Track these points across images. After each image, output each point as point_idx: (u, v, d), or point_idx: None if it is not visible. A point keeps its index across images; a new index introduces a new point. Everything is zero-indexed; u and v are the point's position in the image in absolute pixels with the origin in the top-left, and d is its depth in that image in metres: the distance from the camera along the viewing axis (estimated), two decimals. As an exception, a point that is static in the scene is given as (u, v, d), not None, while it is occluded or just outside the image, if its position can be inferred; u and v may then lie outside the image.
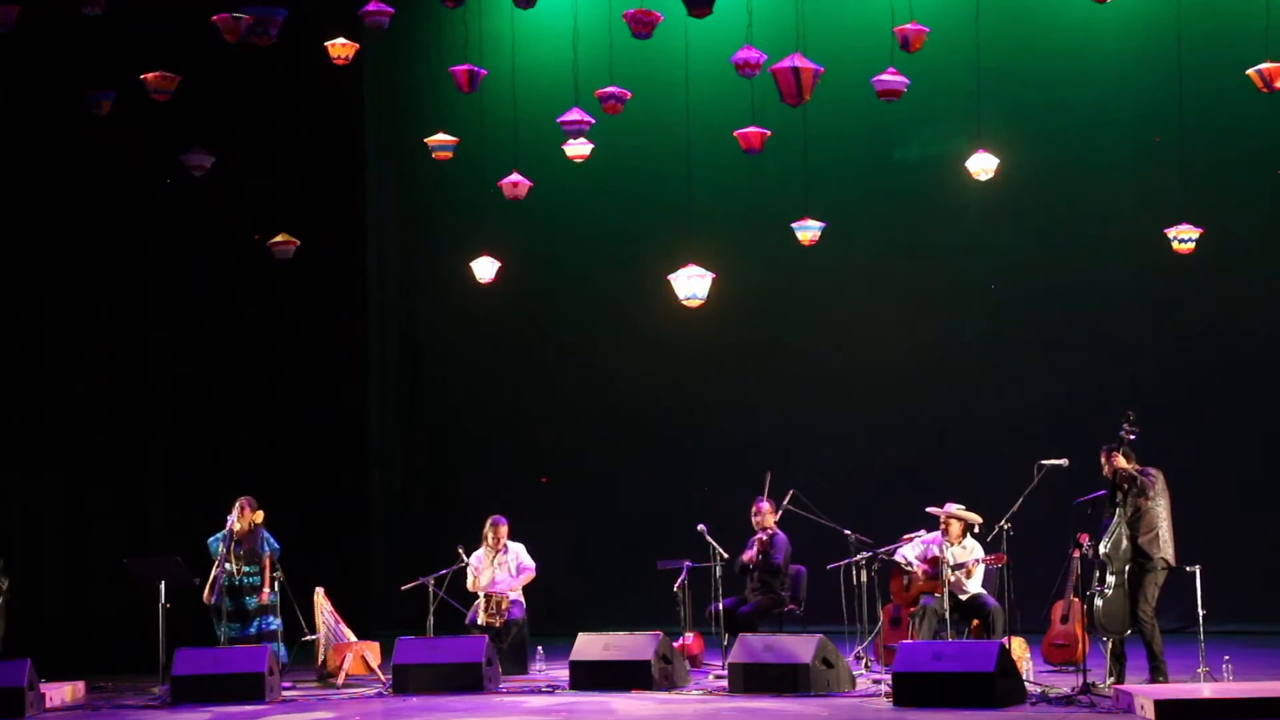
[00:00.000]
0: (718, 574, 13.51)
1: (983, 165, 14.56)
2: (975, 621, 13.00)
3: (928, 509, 13.23)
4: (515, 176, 15.03)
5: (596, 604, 16.64)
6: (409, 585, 13.92)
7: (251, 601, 13.62)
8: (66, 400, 16.85)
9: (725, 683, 12.30)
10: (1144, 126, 16.26)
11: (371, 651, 13.61)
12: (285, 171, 17.12)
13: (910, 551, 13.28)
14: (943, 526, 13.11)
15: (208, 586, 13.55)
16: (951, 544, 13.01)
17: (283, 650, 13.60)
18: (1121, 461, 11.51)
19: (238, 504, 13.74)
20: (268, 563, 13.61)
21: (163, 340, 17.23)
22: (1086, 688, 11.12)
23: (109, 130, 15.00)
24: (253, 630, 13.56)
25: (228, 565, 13.54)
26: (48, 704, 12.51)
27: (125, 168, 16.80)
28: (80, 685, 13.26)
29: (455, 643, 12.97)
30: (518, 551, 14.14)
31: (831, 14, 16.32)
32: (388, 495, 18.78)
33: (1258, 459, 16.02)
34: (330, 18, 14.60)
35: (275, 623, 13.62)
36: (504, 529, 14.14)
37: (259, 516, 13.80)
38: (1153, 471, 11.59)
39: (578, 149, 14.57)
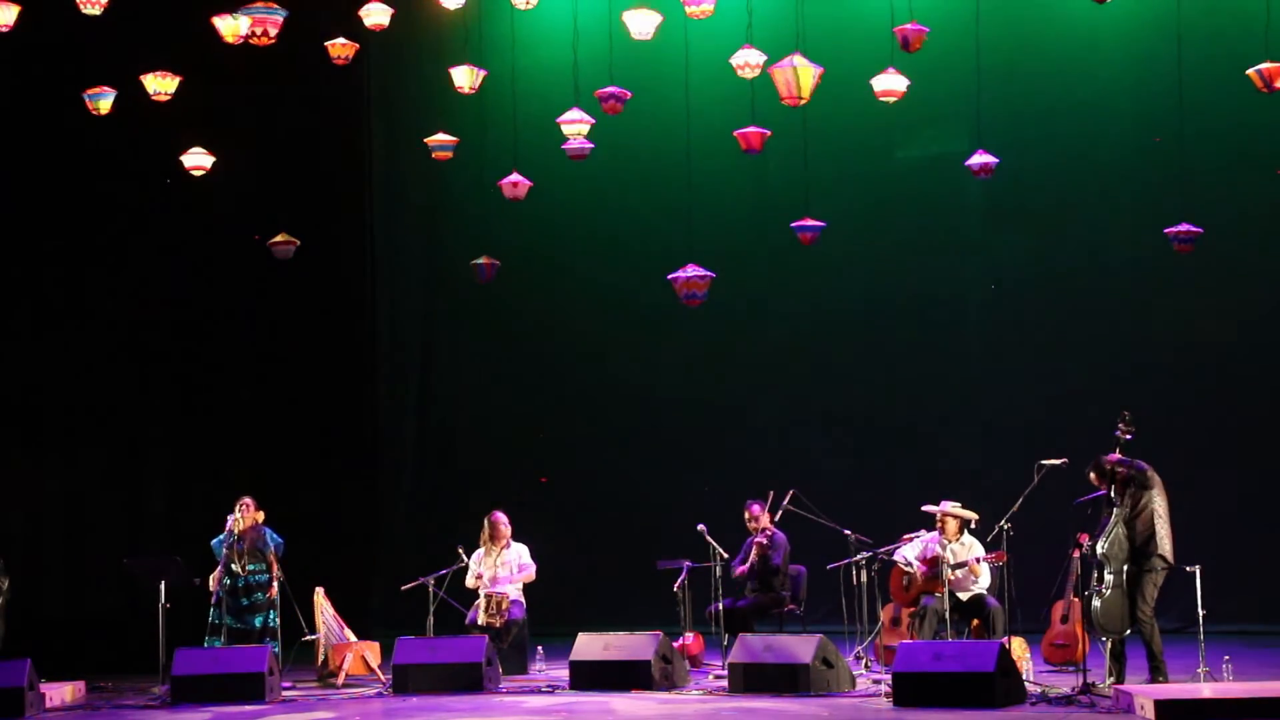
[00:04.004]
0: (718, 574, 13.52)
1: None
2: (975, 621, 13.00)
3: (924, 507, 13.25)
4: (515, 176, 15.04)
5: (596, 604, 16.63)
6: (409, 585, 13.92)
7: (260, 597, 13.63)
8: (67, 400, 16.86)
9: (725, 683, 12.31)
10: (1144, 126, 16.26)
11: (371, 651, 13.61)
12: (285, 171, 17.12)
13: (910, 551, 13.29)
14: (939, 525, 13.15)
15: (213, 579, 13.55)
16: (950, 541, 13.03)
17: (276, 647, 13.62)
18: (1114, 456, 11.51)
19: (239, 504, 13.76)
20: (274, 558, 13.63)
21: (163, 340, 17.22)
22: (1086, 688, 11.12)
23: (109, 130, 15.00)
24: (257, 624, 13.57)
25: (232, 566, 13.57)
26: (48, 704, 12.51)
27: (125, 168, 16.80)
28: (80, 685, 13.26)
29: (455, 643, 12.98)
30: (520, 551, 14.14)
31: (831, 14, 16.32)
32: (388, 495, 18.77)
33: (1258, 459, 16.02)
34: (330, 18, 14.60)
35: (276, 619, 13.62)
36: (501, 524, 14.12)
37: (260, 516, 13.82)
38: (1143, 464, 11.60)
39: (578, 149, 14.57)
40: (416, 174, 18.12)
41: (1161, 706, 10.06)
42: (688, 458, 17.74)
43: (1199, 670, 11.57)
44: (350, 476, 18.19)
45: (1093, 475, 11.69)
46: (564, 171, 15.68)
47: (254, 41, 13.16)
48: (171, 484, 17.06)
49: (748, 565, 13.96)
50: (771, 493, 13.96)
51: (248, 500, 13.82)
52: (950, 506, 13.15)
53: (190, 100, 14.43)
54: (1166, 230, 14.18)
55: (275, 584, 13.55)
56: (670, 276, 14.02)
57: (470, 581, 14.03)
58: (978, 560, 12.91)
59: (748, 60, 13.28)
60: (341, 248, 17.85)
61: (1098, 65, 16.67)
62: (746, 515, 14.08)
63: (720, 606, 13.55)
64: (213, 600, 13.59)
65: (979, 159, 14.16)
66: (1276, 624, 15.39)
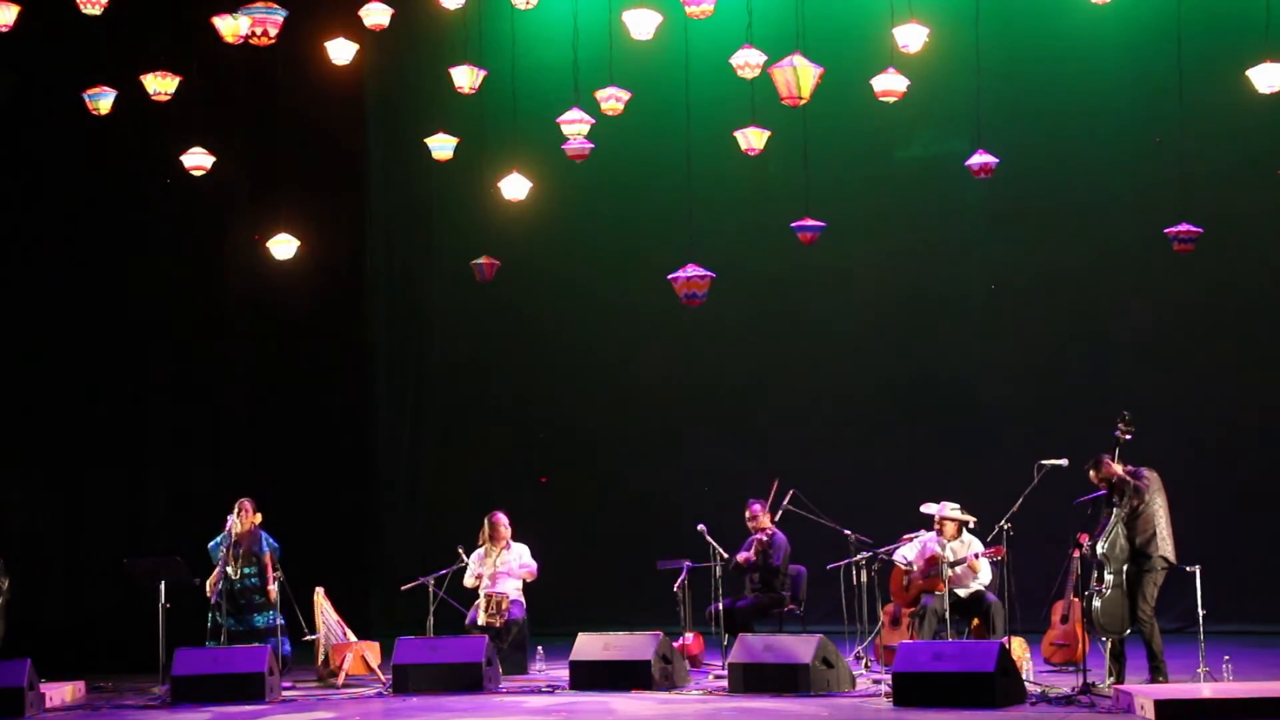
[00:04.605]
0: (718, 574, 13.52)
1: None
2: (975, 620, 13.01)
3: (922, 508, 13.25)
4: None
5: (596, 604, 16.63)
6: (409, 585, 13.92)
7: (258, 599, 13.64)
8: (66, 400, 16.84)
9: (725, 683, 12.31)
10: (1144, 126, 16.25)
11: (371, 651, 13.61)
12: (285, 171, 17.11)
13: (909, 551, 13.30)
14: (937, 526, 13.16)
15: (209, 584, 13.56)
16: (948, 541, 13.04)
17: (286, 644, 13.62)
18: (1116, 469, 11.51)
19: (237, 505, 13.77)
20: (269, 560, 13.63)
21: (163, 340, 17.22)
22: (1086, 688, 11.12)
23: (109, 130, 15.00)
24: (260, 624, 13.57)
25: (227, 568, 13.56)
26: (48, 704, 12.52)
27: (125, 168, 16.79)
28: (80, 685, 13.27)
29: (455, 643, 12.98)
30: (521, 552, 14.13)
31: (831, 14, 16.30)
32: (388, 495, 18.77)
33: (1258, 459, 16.02)
34: (330, 18, 14.59)
35: (278, 618, 13.62)
36: (501, 525, 14.10)
37: (258, 518, 13.83)
38: (1146, 472, 11.60)
39: (578, 149, 14.57)
40: (416, 174, 18.12)
41: (1161, 706, 10.07)
42: (688, 458, 17.74)
43: (1199, 670, 11.57)
44: (350, 476, 18.17)
45: (1091, 473, 11.70)
46: (564, 171, 15.68)
47: (254, 41, 13.15)
48: (171, 484, 17.05)
49: (749, 554, 13.92)
50: (793, 491, 13.94)
51: (246, 503, 13.82)
52: (948, 509, 13.15)
53: (190, 100, 14.43)
54: (1166, 230, 14.17)
55: (273, 585, 13.55)
56: (670, 276, 14.02)
57: (469, 581, 14.02)
58: (976, 556, 12.92)
59: (748, 60, 13.27)
60: (341, 248, 17.84)
61: (1098, 65, 16.66)
62: (747, 514, 14.08)
63: (720, 606, 13.55)
64: (212, 601, 13.59)
65: (979, 159, 14.15)
66: (1276, 624, 15.38)
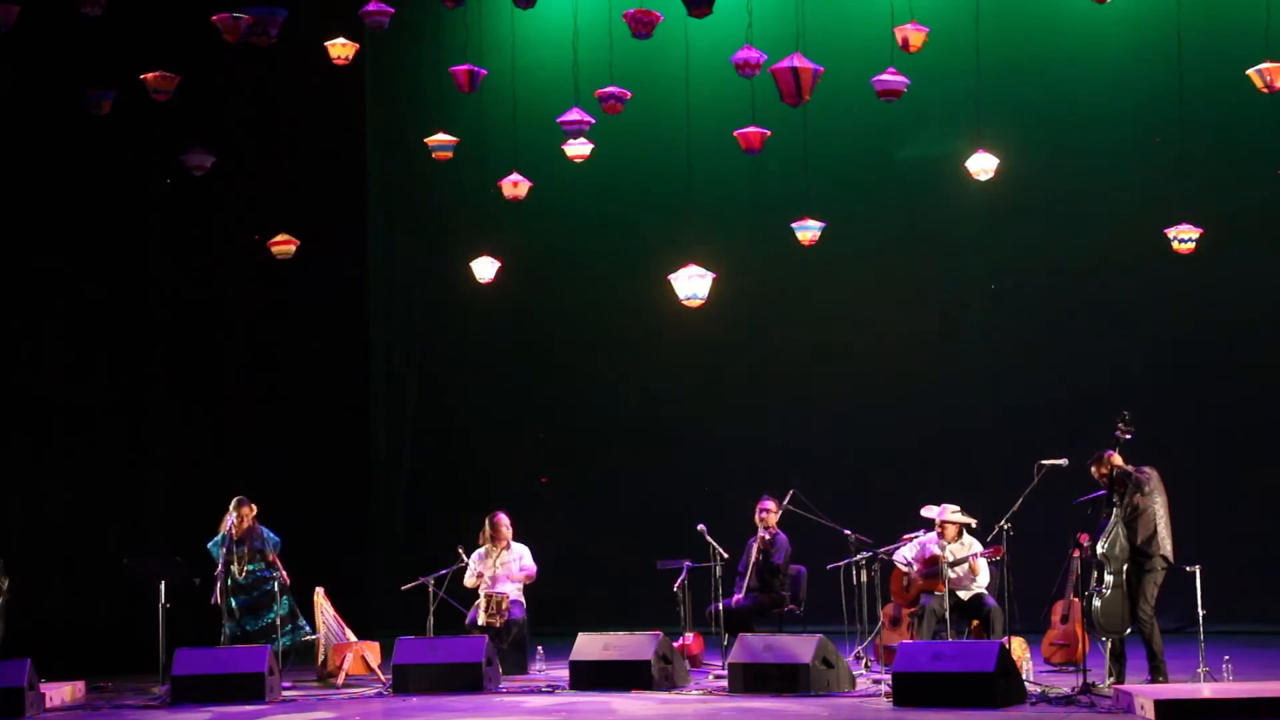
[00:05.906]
0: (718, 574, 13.52)
1: (982, 165, 14.58)
2: (975, 621, 13.01)
3: (923, 511, 13.25)
4: (515, 176, 15.03)
5: (596, 604, 16.64)
6: (409, 585, 13.92)
7: (269, 587, 13.63)
8: (67, 400, 16.84)
9: (725, 683, 12.31)
10: (1144, 126, 16.27)
11: (371, 651, 13.61)
12: (286, 171, 17.11)
13: (908, 552, 13.30)
14: (938, 529, 13.16)
15: (216, 590, 13.55)
16: (949, 543, 13.04)
17: (285, 639, 13.60)
18: (1118, 459, 11.52)
19: (234, 505, 13.75)
20: (274, 556, 13.66)
21: (163, 340, 17.22)
22: (1086, 688, 11.12)
23: (109, 130, 14.98)
24: (266, 621, 13.58)
25: (232, 567, 13.56)
26: (48, 704, 12.51)
27: (125, 168, 16.80)
28: (80, 685, 13.26)
29: (455, 643, 12.98)
30: (521, 552, 14.14)
31: (831, 14, 16.33)
32: (388, 495, 18.77)
33: (1258, 458, 16.02)
34: (330, 18, 14.60)
35: (286, 606, 13.64)
36: (503, 525, 14.11)
37: (252, 509, 13.84)
38: (1147, 470, 11.61)
39: (578, 149, 14.57)
40: (416, 174, 18.12)
41: (1161, 706, 10.06)
42: (687, 458, 17.75)
43: (1199, 670, 11.57)
44: (350, 475, 18.17)
45: (1094, 468, 11.70)
46: (564, 171, 15.68)
47: (254, 41, 13.15)
48: (171, 484, 17.05)
49: (751, 566, 13.92)
50: (793, 491, 13.94)
51: (242, 501, 13.80)
52: (949, 511, 13.15)
53: (190, 100, 14.42)
54: (1166, 230, 14.18)
55: (282, 573, 13.59)
56: (670, 276, 14.02)
57: (469, 580, 14.02)
58: (975, 556, 12.92)
59: (748, 60, 13.28)
60: (341, 248, 17.83)
61: (1098, 65, 16.67)
62: (758, 508, 14.05)
63: (720, 606, 13.56)
64: (215, 603, 13.55)
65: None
66: (1276, 624, 15.39)
